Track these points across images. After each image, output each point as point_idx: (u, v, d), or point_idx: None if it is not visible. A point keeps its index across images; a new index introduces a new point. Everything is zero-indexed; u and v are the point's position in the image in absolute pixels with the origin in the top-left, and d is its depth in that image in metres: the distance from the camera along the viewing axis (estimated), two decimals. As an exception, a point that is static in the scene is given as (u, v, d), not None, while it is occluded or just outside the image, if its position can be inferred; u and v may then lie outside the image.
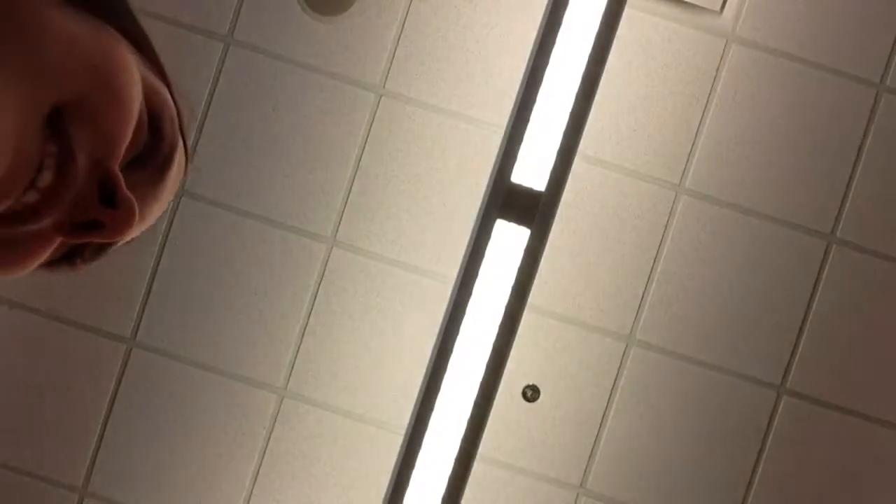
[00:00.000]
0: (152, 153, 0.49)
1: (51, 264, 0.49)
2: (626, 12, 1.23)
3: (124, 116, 0.45)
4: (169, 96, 0.51)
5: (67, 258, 0.50)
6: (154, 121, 0.49)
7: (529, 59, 1.17)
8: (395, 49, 1.59)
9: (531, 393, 1.58)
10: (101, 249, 0.50)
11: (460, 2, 1.58)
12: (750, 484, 1.58)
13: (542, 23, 1.19)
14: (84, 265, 0.51)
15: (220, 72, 1.59)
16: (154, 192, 0.50)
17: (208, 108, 1.58)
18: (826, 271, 1.57)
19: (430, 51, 1.59)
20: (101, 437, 1.57)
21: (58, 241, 0.47)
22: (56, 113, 0.42)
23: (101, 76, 0.44)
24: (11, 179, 0.41)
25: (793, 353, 1.57)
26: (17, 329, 1.59)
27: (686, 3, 1.56)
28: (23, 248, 0.46)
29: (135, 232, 0.48)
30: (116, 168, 0.46)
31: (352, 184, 1.59)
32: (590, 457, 1.58)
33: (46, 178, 0.42)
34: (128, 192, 0.45)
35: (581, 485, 1.59)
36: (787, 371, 1.57)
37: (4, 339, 1.59)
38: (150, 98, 0.48)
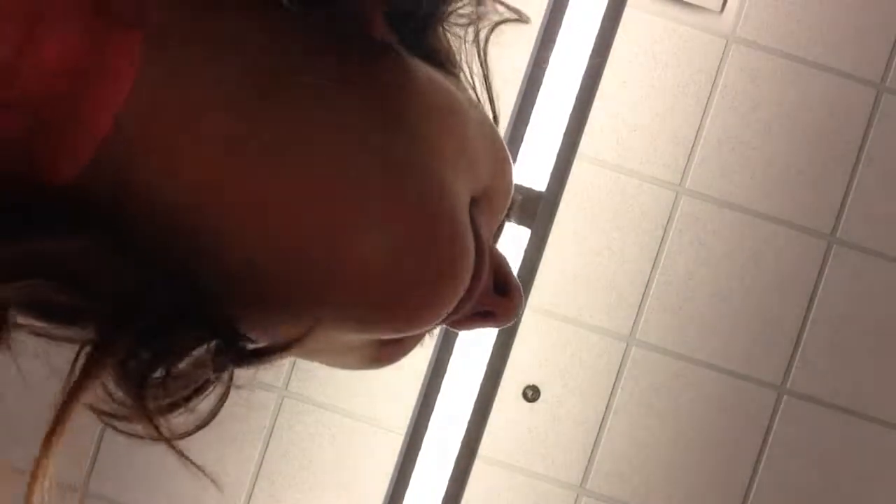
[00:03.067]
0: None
1: None
2: (627, 12, 1.23)
3: (509, 194, 0.42)
4: None
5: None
6: None
7: (529, 60, 1.17)
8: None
9: (531, 393, 1.58)
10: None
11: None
12: (750, 484, 1.58)
13: (542, 23, 1.19)
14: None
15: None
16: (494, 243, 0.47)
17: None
18: (827, 271, 1.57)
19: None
20: (101, 437, 1.57)
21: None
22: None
23: (501, 159, 0.41)
24: (472, 275, 0.38)
25: (793, 354, 1.57)
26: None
27: (686, 3, 1.56)
28: (419, 337, 0.43)
29: None
30: (501, 253, 0.43)
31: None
32: (590, 457, 1.59)
33: None
34: (516, 279, 0.43)
35: (581, 484, 1.59)
36: (787, 371, 1.57)
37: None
38: None
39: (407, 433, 1.32)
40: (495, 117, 0.46)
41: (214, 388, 0.38)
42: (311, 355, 0.41)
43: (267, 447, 1.59)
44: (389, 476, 1.37)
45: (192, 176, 0.33)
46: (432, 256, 0.35)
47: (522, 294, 0.43)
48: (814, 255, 1.57)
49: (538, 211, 1.17)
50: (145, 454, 1.57)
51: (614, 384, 1.58)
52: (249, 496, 1.59)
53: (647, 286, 1.58)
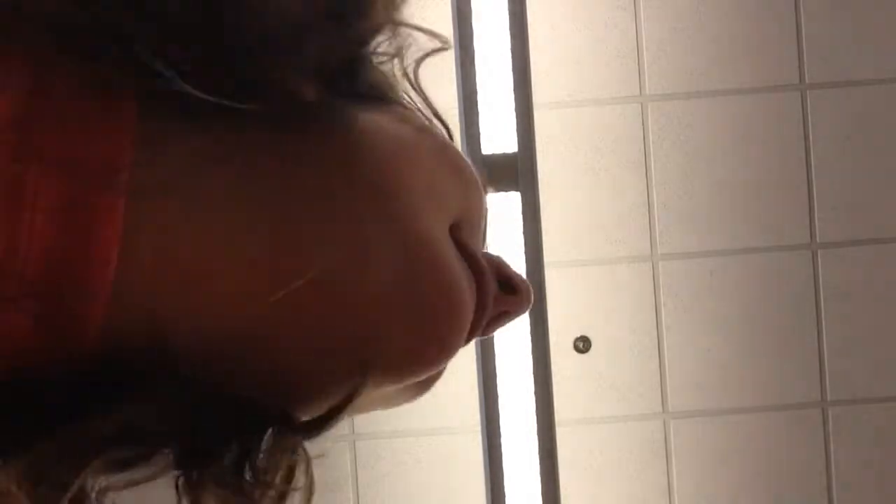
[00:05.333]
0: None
1: None
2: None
3: (484, 206, 0.44)
4: None
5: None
6: None
7: (454, 32, 1.17)
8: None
9: (582, 344, 1.58)
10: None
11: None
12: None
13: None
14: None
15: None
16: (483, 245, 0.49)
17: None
18: (821, 278, 1.56)
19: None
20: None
21: None
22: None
23: (466, 178, 0.42)
24: (479, 296, 0.40)
25: (821, 366, 1.57)
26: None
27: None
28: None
29: None
30: (496, 256, 0.45)
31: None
32: (660, 381, 1.58)
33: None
34: (519, 274, 0.45)
35: (663, 410, 1.59)
36: (822, 384, 1.57)
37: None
38: None
39: (482, 428, 1.32)
40: (449, 134, 0.47)
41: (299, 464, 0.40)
42: (364, 409, 0.43)
43: (358, 494, 1.59)
44: (483, 474, 1.37)
45: (208, 303, 0.35)
46: (433, 308, 0.37)
47: (529, 286, 0.45)
48: (803, 268, 1.57)
49: (519, 171, 1.17)
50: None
51: (655, 304, 1.58)
52: (361, 547, 1.59)
53: (649, 200, 1.58)
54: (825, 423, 1.58)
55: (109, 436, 0.33)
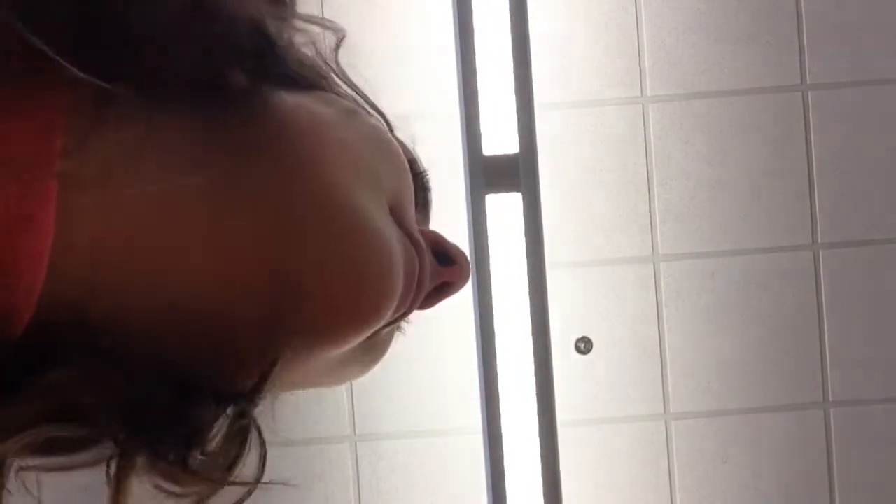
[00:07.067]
0: (417, 193, 0.48)
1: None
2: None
3: (412, 187, 0.45)
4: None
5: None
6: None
7: (455, 32, 1.17)
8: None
9: (583, 345, 1.57)
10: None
11: (366, 11, 1.57)
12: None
13: (452, -4, 1.18)
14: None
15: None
16: (427, 225, 0.50)
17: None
18: (823, 278, 1.56)
19: (356, 70, 1.58)
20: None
21: None
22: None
23: (394, 159, 0.44)
24: (418, 269, 0.42)
25: (822, 366, 1.56)
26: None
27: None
28: (393, 332, 0.47)
29: None
30: (432, 231, 0.47)
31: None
32: (662, 381, 1.58)
33: None
34: (455, 245, 0.46)
35: (665, 411, 1.58)
36: (823, 385, 1.56)
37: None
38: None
39: (483, 428, 1.32)
40: (386, 121, 0.49)
41: (250, 444, 0.41)
42: (309, 380, 0.44)
43: (359, 494, 1.59)
44: (483, 475, 1.37)
45: (140, 282, 0.36)
46: (367, 275, 0.38)
47: (466, 255, 0.46)
48: (805, 267, 1.56)
49: (520, 173, 1.17)
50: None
51: (657, 305, 1.58)
52: (362, 548, 1.58)
53: (650, 201, 1.57)
54: (827, 424, 1.58)
55: (35, 411, 0.33)
